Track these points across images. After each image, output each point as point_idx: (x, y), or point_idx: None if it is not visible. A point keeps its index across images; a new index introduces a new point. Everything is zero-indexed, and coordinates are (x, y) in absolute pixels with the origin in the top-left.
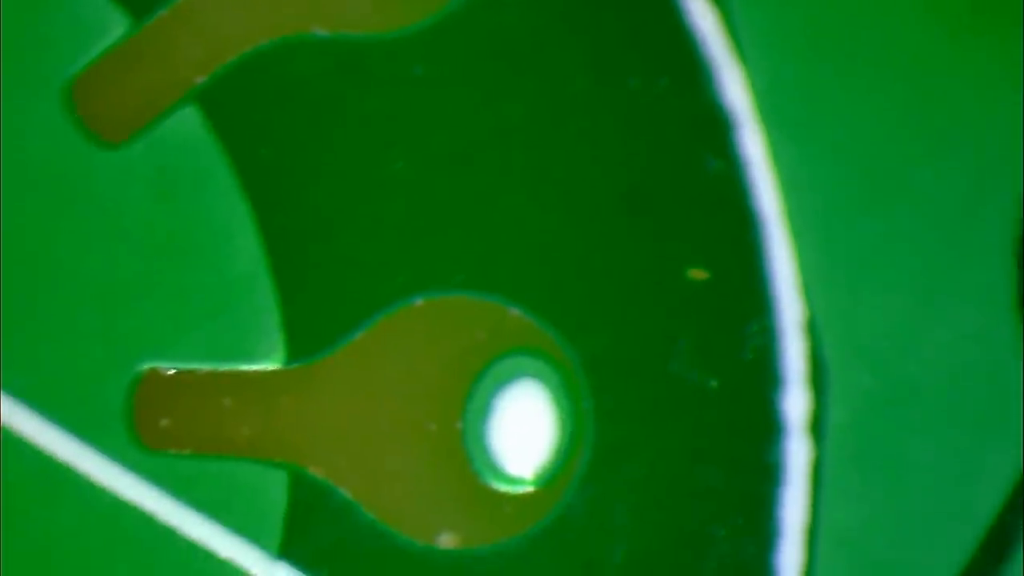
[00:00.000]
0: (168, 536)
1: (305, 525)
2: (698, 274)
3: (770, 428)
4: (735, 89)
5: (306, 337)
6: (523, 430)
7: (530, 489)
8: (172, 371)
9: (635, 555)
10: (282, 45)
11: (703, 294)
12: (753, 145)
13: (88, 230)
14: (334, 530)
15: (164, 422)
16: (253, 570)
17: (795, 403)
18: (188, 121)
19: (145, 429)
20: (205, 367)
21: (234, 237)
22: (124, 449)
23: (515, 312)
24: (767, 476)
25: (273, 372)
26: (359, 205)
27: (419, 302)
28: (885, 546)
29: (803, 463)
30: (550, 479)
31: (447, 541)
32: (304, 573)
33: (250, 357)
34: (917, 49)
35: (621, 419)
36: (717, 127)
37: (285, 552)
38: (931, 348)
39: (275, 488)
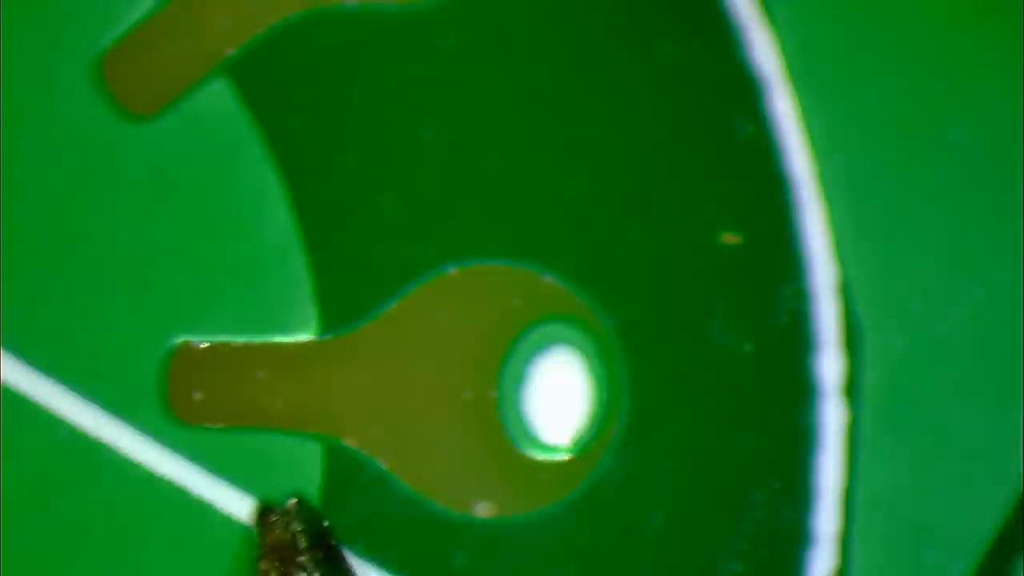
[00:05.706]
0: (203, 510)
1: (341, 497)
2: (731, 238)
3: (805, 391)
4: (765, 52)
5: (339, 308)
6: (558, 397)
7: (566, 456)
8: (205, 344)
9: (672, 520)
10: (311, 16)
11: (736, 258)
12: (783, 107)
13: (119, 204)
14: (370, 501)
15: (198, 395)
16: None
17: (829, 366)
18: (219, 93)
19: (179, 403)
20: (238, 340)
21: (266, 209)
22: (158, 423)
23: (549, 279)
24: (802, 440)
25: (307, 344)
26: (390, 175)
27: (452, 271)
28: (920, 508)
29: (838, 426)
30: (585, 446)
31: (483, 510)
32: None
33: (283, 329)
34: (948, 7)
35: (656, 385)
36: (747, 90)
37: None
38: (964, 309)
39: (310, 460)
